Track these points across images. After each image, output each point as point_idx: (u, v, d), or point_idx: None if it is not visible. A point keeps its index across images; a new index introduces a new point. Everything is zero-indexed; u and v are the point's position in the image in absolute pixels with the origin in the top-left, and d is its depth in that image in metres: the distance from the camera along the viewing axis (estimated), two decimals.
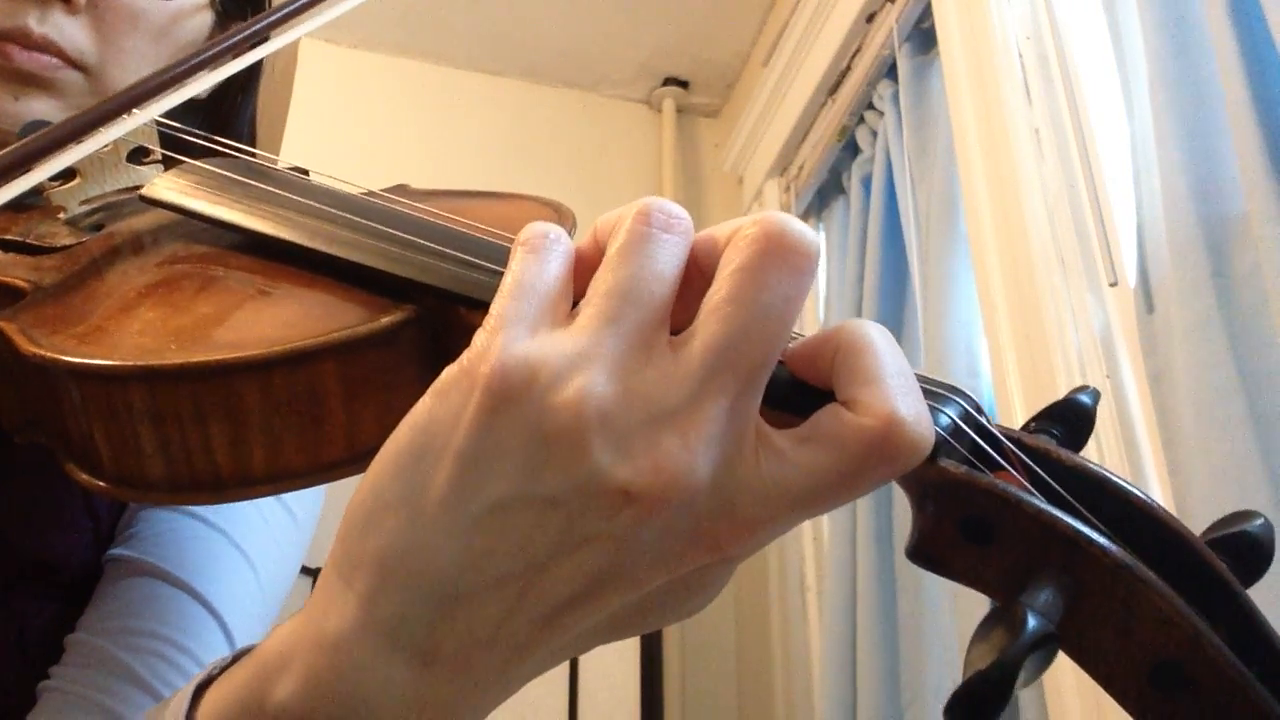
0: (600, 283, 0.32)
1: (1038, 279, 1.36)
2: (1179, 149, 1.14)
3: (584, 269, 0.34)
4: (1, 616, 0.58)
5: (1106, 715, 1.11)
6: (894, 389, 0.31)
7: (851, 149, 2.16)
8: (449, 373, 0.32)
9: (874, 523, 1.68)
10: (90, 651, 0.56)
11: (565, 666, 1.94)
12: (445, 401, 0.31)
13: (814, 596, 1.99)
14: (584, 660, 1.97)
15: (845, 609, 1.72)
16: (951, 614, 1.46)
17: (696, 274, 0.33)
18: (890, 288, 1.83)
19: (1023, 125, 1.46)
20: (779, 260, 0.31)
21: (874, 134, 2.03)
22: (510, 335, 0.31)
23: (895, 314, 1.81)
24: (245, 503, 0.63)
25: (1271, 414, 1.00)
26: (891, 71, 1.95)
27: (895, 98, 1.90)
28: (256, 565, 0.62)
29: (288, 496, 0.65)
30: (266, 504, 0.65)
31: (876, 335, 0.32)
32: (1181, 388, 1.07)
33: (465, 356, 0.32)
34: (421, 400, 0.32)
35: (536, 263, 0.34)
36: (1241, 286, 1.06)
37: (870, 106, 2.06)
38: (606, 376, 0.30)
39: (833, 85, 2.16)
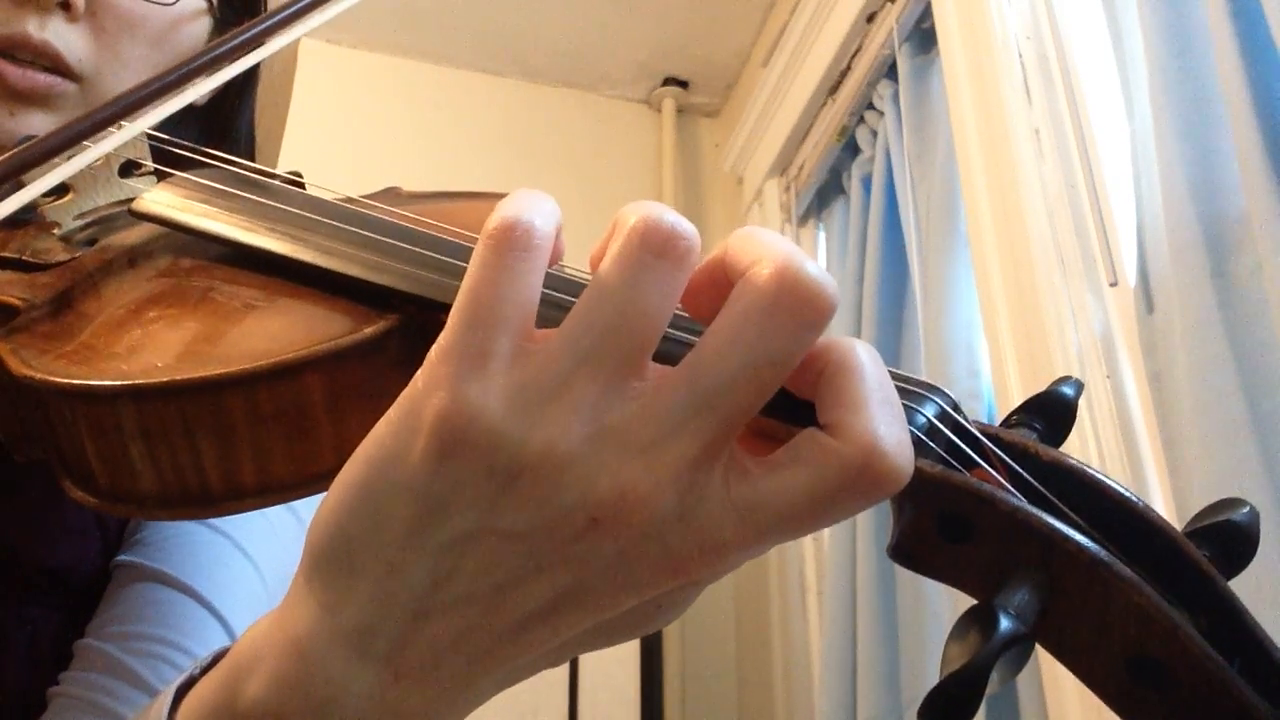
0: (579, 309, 0.30)
1: (1038, 279, 1.36)
2: (1179, 149, 1.14)
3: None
4: (13, 625, 0.58)
5: (1106, 717, 1.11)
6: (878, 416, 0.29)
7: (851, 149, 2.16)
8: (398, 405, 0.30)
9: (874, 523, 1.68)
10: (96, 656, 0.56)
11: (565, 667, 1.94)
12: (396, 438, 0.30)
13: (814, 596, 1.99)
14: (584, 660, 1.97)
15: (845, 609, 1.72)
16: (951, 614, 1.46)
17: (709, 284, 0.31)
18: (890, 288, 1.83)
19: (1023, 125, 1.46)
20: (790, 314, 0.29)
21: (874, 134, 2.03)
22: (455, 372, 0.29)
23: (895, 314, 1.81)
24: None
25: (1271, 414, 1.00)
26: (891, 71, 1.94)
27: (895, 98, 1.90)
28: (262, 568, 0.62)
29: None
30: (272, 508, 0.64)
31: (865, 358, 0.31)
32: (1181, 388, 1.07)
33: (409, 392, 0.30)
34: (374, 429, 0.31)
35: (496, 272, 0.30)
36: (1241, 286, 1.06)
37: (870, 106, 2.06)
38: (579, 423, 0.29)
39: (833, 85, 2.16)
